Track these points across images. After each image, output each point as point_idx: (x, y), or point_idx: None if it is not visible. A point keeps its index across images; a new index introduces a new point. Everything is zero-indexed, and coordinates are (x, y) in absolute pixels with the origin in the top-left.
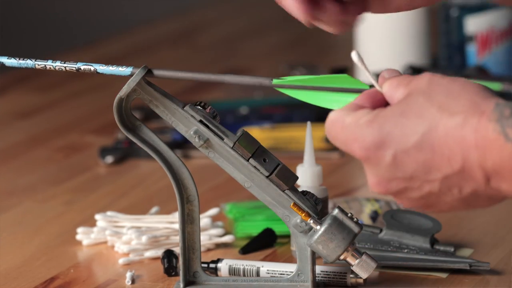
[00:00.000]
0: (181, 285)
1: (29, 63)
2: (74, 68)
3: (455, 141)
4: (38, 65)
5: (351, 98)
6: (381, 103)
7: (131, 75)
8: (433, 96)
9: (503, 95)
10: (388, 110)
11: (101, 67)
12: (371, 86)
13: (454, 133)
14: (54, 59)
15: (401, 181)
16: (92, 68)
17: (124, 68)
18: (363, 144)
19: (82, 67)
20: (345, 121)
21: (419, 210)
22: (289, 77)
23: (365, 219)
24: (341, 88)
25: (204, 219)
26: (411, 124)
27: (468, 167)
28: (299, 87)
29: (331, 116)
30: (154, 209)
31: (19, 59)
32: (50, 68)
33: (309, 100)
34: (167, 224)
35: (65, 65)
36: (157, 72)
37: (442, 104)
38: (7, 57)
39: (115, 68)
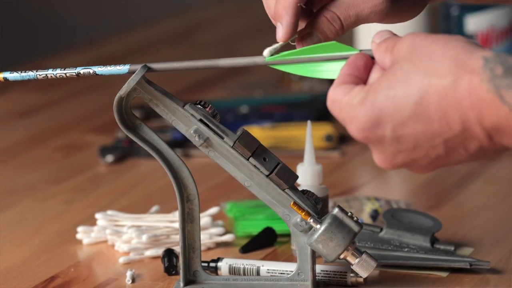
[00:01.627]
0: (181, 284)
1: (31, 74)
2: (74, 74)
3: (450, 105)
4: (40, 75)
5: (341, 65)
6: (371, 64)
7: (130, 73)
8: (417, 61)
9: None
10: (377, 84)
11: (99, 69)
12: (361, 50)
13: (448, 97)
14: (55, 60)
15: (406, 153)
16: (91, 71)
17: (122, 67)
18: (359, 126)
19: (81, 71)
20: (342, 102)
21: (431, 172)
22: (281, 53)
23: (366, 218)
24: (333, 56)
25: (204, 218)
26: (401, 95)
27: (469, 127)
28: (291, 61)
29: (330, 95)
30: (154, 208)
31: (21, 72)
32: (51, 76)
33: (304, 73)
34: (167, 223)
35: (65, 71)
36: (153, 66)
37: (428, 68)
38: (9, 71)
39: (113, 67)
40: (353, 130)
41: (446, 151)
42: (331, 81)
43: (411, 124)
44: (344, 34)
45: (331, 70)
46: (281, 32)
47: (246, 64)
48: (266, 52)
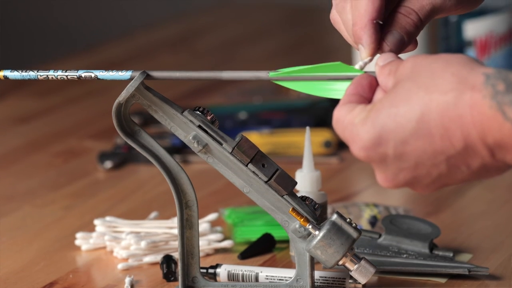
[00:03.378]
0: None
1: (31, 74)
2: (76, 76)
3: (452, 121)
4: (41, 76)
5: (347, 85)
6: (376, 84)
7: (131, 79)
8: (418, 79)
9: None
10: (379, 104)
11: (101, 73)
12: (365, 72)
13: (449, 113)
14: (55, 65)
15: (408, 171)
16: (92, 75)
17: (124, 73)
18: (361, 144)
19: (83, 75)
20: (344, 121)
21: (435, 191)
22: (284, 69)
23: (364, 224)
24: (337, 76)
25: (203, 224)
26: (403, 113)
27: (471, 144)
28: (296, 78)
29: (334, 115)
30: (153, 214)
31: (21, 72)
32: (52, 77)
33: (306, 90)
34: (166, 229)
35: (66, 73)
36: (154, 74)
37: (428, 85)
38: (10, 70)
39: (114, 73)
40: (355, 149)
41: (449, 169)
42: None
43: (412, 142)
44: (423, 28)
45: (335, 89)
46: (365, 53)
47: (249, 78)
48: (357, 66)
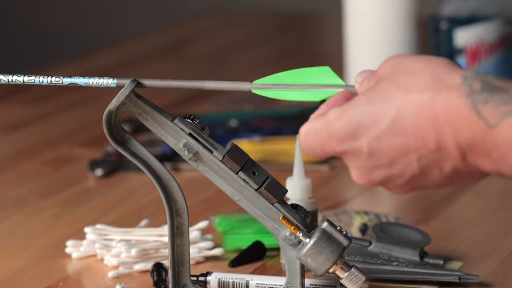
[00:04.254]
0: None
1: (18, 79)
2: (60, 82)
3: (426, 120)
4: (28, 79)
5: (331, 92)
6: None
7: (118, 87)
8: (397, 78)
9: None
10: (355, 100)
11: (87, 80)
12: (347, 85)
13: (424, 112)
14: (45, 72)
15: (382, 169)
16: (80, 82)
17: (110, 80)
18: (338, 139)
19: (70, 81)
20: (317, 126)
21: (410, 193)
22: (267, 77)
23: (355, 232)
24: (320, 85)
25: (194, 232)
26: (379, 110)
27: (443, 145)
28: (277, 87)
29: (302, 130)
30: (143, 222)
31: (6, 76)
32: (41, 81)
33: (290, 97)
34: (157, 237)
35: (52, 79)
36: (144, 82)
37: (406, 84)
38: None
39: (102, 80)
40: (333, 145)
41: (421, 170)
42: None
43: (386, 139)
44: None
45: (318, 93)
46: None
47: (231, 89)
48: None
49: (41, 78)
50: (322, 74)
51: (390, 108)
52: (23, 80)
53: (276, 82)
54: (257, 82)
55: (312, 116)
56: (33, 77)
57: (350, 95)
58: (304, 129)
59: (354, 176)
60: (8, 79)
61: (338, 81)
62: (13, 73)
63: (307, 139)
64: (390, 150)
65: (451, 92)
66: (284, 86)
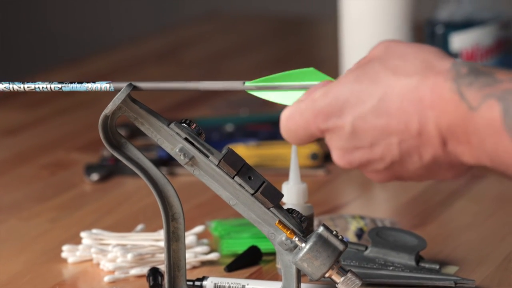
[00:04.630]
0: None
1: (18, 86)
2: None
3: (411, 103)
4: (28, 87)
5: None
6: None
7: (115, 91)
8: (388, 60)
9: None
10: (342, 78)
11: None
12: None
13: (410, 95)
14: (40, 77)
15: (363, 151)
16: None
17: (106, 84)
18: (323, 115)
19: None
20: (301, 106)
21: (388, 181)
22: (259, 79)
23: (351, 236)
24: (311, 84)
25: (190, 237)
26: (366, 90)
27: (425, 130)
28: (269, 87)
29: (284, 114)
30: (139, 227)
31: (9, 83)
32: (42, 88)
33: (280, 100)
34: (153, 241)
35: (54, 85)
36: (139, 85)
37: (396, 67)
38: None
39: (97, 84)
40: (318, 122)
41: (401, 154)
42: None
43: (370, 119)
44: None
45: None
46: None
47: (225, 88)
48: None
49: (41, 85)
50: (309, 75)
51: (377, 88)
52: (24, 88)
53: (269, 83)
54: (249, 83)
55: (293, 103)
56: (32, 85)
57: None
58: (286, 112)
59: (334, 156)
60: (12, 87)
61: (327, 78)
62: (9, 78)
63: (290, 122)
64: (373, 131)
65: (438, 77)
66: (276, 86)
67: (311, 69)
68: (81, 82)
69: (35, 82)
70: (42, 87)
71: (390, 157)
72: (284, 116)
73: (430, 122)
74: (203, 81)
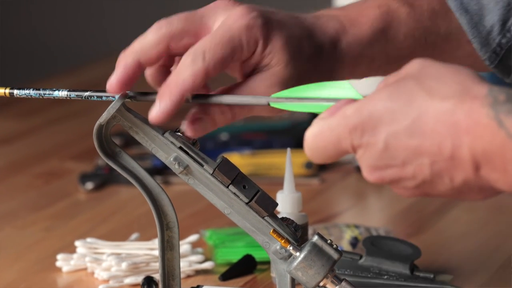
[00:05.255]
0: None
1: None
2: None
3: (446, 127)
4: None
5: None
6: None
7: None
8: (423, 80)
9: None
10: (374, 94)
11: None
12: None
13: (445, 119)
14: (37, 85)
15: (395, 169)
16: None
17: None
18: (358, 131)
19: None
20: (331, 123)
21: (417, 197)
22: (287, 90)
23: (345, 245)
24: (335, 99)
25: (184, 246)
26: (401, 109)
27: (458, 154)
28: (297, 100)
29: (311, 132)
30: (134, 236)
31: (27, 90)
32: (59, 96)
33: (306, 109)
34: (147, 250)
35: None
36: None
37: (432, 88)
38: (17, 88)
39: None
40: (353, 138)
41: (432, 175)
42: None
43: (404, 138)
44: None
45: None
46: (155, 112)
47: (249, 103)
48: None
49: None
50: (340, 88)
51: (412, 109)
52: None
53: (295, 95)
54: (276, 95)
55: (317, 120)
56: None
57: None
58: (314, 129)
59: (365, 173)
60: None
61: (356, 94)
62: (5, 86)
63: (318, 139)
64: (406, 151)
65: (475, 102)
66: (300, 99)
67: (345, 82)
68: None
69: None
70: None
71: (421, 177)
72: (311, 134)
73: (464, 146)
74: (226, 95)
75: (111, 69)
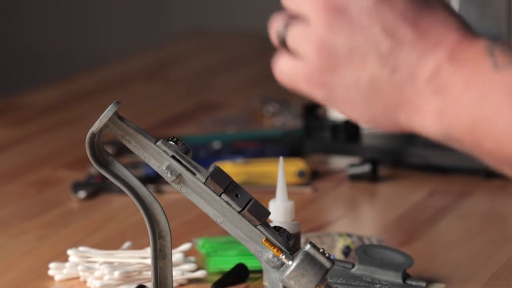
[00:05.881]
0: None
1: None
2: None
3: (440, 23)
4: None
5: None
6: None
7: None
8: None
9: None
10: None
11: None
12: None
13: (444, 18)
14: (27, 94)
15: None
16: None
17: None
18: None
19: None
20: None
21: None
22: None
23: (338, 254)
24: None
25: (177, 254)
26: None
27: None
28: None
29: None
30: (126, 244)
31: None
32: None
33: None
34: (140, 259)
35: None
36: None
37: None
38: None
39: None
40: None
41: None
42: None
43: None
44: None
45: None
46: None
47: None
48: None
49: None
50: None
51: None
52: None
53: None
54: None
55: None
56: None
57: None
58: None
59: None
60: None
61: None
62: None
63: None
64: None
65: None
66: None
67: None
68: None
69: None
70: None
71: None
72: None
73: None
74: None
75: (103, 78)
